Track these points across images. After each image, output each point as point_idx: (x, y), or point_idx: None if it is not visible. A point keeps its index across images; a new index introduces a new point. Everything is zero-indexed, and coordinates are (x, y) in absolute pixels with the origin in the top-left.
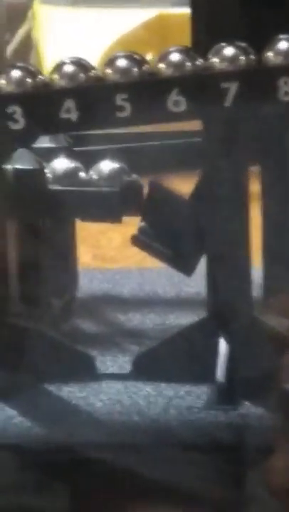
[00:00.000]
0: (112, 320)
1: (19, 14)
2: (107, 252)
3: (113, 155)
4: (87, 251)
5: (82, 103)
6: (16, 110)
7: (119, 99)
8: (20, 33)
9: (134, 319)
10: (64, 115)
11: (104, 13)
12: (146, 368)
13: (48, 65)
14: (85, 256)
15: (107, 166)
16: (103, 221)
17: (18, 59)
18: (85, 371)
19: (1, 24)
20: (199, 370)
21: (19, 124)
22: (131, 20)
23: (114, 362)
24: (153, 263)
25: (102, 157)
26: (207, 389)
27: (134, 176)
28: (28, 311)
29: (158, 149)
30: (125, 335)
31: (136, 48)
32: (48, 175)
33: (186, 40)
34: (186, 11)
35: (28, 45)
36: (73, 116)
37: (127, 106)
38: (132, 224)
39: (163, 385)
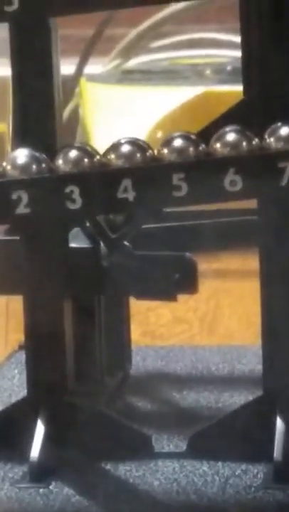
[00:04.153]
0: (167, 398)
1: (66, 91)
2: (156, 329)
3: (168, 233)
4: (136, 328)
5: (138, 183)
6: (74, 190)
7: (176, 179)
8: (68, 109)
9: (189, 397)
10: (121, 195)
11: (150, 91)
12: (202, 447)
13: (94, 142)
14: (134, 333)
15: (161, 244)
16: (158, 299)
17: (64, 136)
18: (142, 450)
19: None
20: (256, 448)
21: (76, 203)
22: (177, 98)
23: (170, 440)
24: (203, 340)
25: (156, 235)
26: (264, 468)
27: (189, 254)
28: (84, 389)
29: (212, 227)
30: (180, 413)
31: (182, 126)
32: (103, 253)
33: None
34: (233, 88)
35: (74, 122)
36: (130, 196)
37: (184, 186)
38: (182, 301)
39: (219, 463)
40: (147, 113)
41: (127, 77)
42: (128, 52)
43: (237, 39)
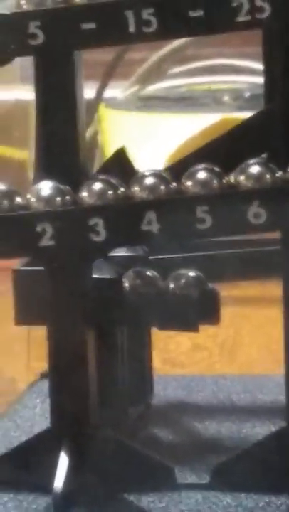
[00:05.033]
0: (189, 428)
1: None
2: (176, 357)
3: (190, 263)
4: (156, 355)
5: (163, 215)
6: (98, 222)
7: (200, 211)
8: (87, 135)
9: (210, 428)
10: (145, 227)
11: (168, 118)
12: (225, 478)
13: None
14: (154, 360)
15: (183, 274)
16: (180, 330)
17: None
18: (165, 481)
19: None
20: (279, 480)
21: (101, 236)
22: (195, 124)
23: (192, 471)
24: (223, 368)
25: (178, 265)
26: (287, 499)
27: (211, 284)
28: (107, 419)
29: (234, 257)
30: (202, 444)
31: None
32: (126, 284)
33: None
34: (250, 115)
35: (93, 148)
36: (154, 228)
37: (208, 218)
38: (201, 328)
39: (243, 495)
40: (165, 140)
41: (146, 103)
42: (147, 78)
43: (255, 65)
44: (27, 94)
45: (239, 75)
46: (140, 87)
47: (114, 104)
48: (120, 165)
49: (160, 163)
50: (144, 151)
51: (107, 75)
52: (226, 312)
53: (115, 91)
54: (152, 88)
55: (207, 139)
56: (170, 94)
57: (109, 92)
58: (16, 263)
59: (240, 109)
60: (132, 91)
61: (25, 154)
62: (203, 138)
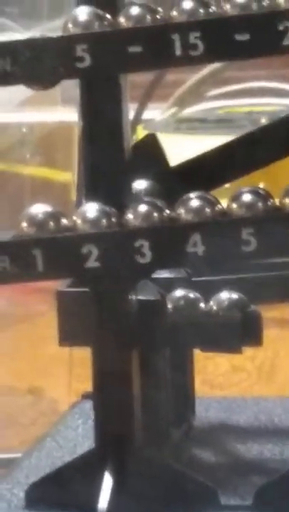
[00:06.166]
0: (231, 450)
1: None
2: (214, 378)
3: (232, 285)
4: (195, 376)
5: (207, 237)
6: (144, 244)
7: (245, 233)
8: None
9: (253, 449)
10: (190, 249)
11: (207, 141)
12: (269, 500)
13: None
14: None
15: (226, 296)
16: (223, 352)
17: None
18: (209, 502)
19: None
20: None
21: (146, 258)
22: None
23: (236, 493)
24: (262, 390)
25: (221, 287)
26: None
27: (253, 306)
28: (150, 441)
29: (276, 279)
30: (245, 465)
31: None
32: (169, 305)
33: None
34: None
35: None
36: (199, 250)
37: (253, 240)
38: None
39: None
40: None
41: (184, 125)
42: (185, 100)
43: None
44: (69, 115)
45: (276, 97)
46: (178, 109)
47: (152, 125)
48: (150, 148)
49: None
50: None
51: (146, 97)
52: (265, 334)
53: (153, 112)
54: (190, 110)
55: None
56: (208, 116)
57: (147, 114)
58: (57, 284)
59: None
60: (170, 113)
61: (68, 176)
62: None
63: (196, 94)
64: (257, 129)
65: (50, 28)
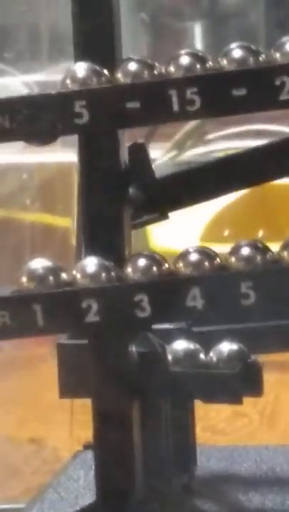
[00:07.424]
0: (233, 500)
1: None
2: (216, 424)
3: (232, 335)
4: (196, 423)
5: (207, 291)
6: (143, 298)
7: (244, 287)
8: None
9: (254, 499)
10: (190, 303)
11: None
12: None
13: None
14: None
15: (226, 347)
16: (223, 403)
17: None
18: None
19: None
20: None
21: (146, 312)
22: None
23: None
24: (264, 435)
25: (221, 337)
26: None
27: (254, 357)
28: (152, 493)
29: (277, 328)
30: None
31: (240, 219)
32: (169, 357)
33: None
34: None
35: None
36: (199, 304)
37: (252, 294)
38: None
39: None
40: (204, 206)
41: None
42: (185, 143)
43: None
44: (68, 155)
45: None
46: (178, 152)
47: None
48: (137, 157)
49: (198, 230)
50: (182, 218)
51: (147, 139)
52: (265, 378)
53: (155, 152)
54: (189, 153)
55: (247, 205)
56: (208, 159)
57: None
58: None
59: None
60: (170, 156)
61: (68, 222)
62: (243, 204)
63: (196, 137)
64: (249, 149)
65: (49, 72)
